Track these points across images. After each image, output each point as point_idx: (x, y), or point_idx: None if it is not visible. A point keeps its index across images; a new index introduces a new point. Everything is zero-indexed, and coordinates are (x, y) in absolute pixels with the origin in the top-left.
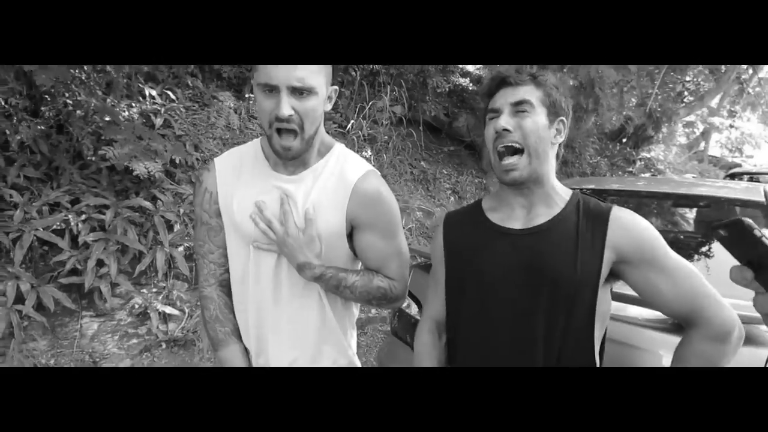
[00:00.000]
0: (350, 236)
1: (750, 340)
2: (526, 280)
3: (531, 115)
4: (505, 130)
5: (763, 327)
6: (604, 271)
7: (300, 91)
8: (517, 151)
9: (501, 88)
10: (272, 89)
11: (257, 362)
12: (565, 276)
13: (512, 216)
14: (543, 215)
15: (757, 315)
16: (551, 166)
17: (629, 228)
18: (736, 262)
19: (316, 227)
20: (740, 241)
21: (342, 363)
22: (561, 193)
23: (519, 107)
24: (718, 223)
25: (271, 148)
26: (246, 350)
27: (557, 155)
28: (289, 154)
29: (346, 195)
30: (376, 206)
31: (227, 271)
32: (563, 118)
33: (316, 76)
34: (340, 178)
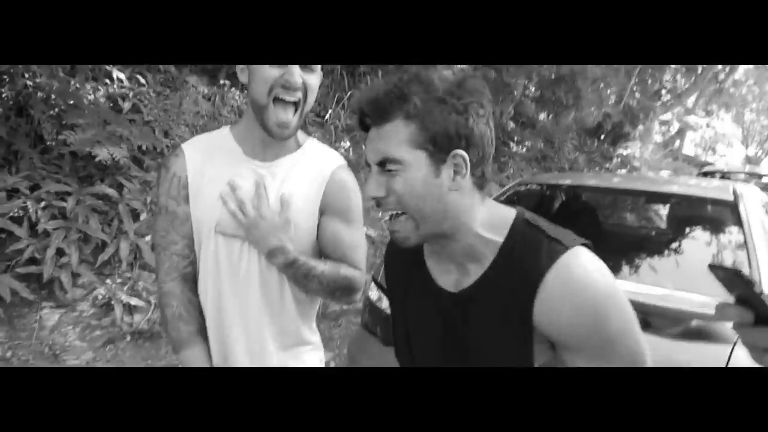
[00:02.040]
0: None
1: (710, 337)
2: (455, 354)
3: (401, 173)
4: (374, 198)
5: (719, 323)
6: (539, 357)
7: (309, 67)
8: (400, 215)
9: (368, 128)
10: None
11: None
12: (493, 357)
13: (444, 269)
14: (472, 274)
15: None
16: (465, 214)
17: (562, 305)
18: (703, 260)
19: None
20: (737, 288)
21: (306, 354)
22: (493, 237)
23: (384, 167)
24: (717, 264)
25: (261, 124)
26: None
27: (480, 188)
28: (285, 133)
29: (322, 186)
30: (347, 194)
31: (191, 263)
32: (459, 151)
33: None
34: (316, 170)
